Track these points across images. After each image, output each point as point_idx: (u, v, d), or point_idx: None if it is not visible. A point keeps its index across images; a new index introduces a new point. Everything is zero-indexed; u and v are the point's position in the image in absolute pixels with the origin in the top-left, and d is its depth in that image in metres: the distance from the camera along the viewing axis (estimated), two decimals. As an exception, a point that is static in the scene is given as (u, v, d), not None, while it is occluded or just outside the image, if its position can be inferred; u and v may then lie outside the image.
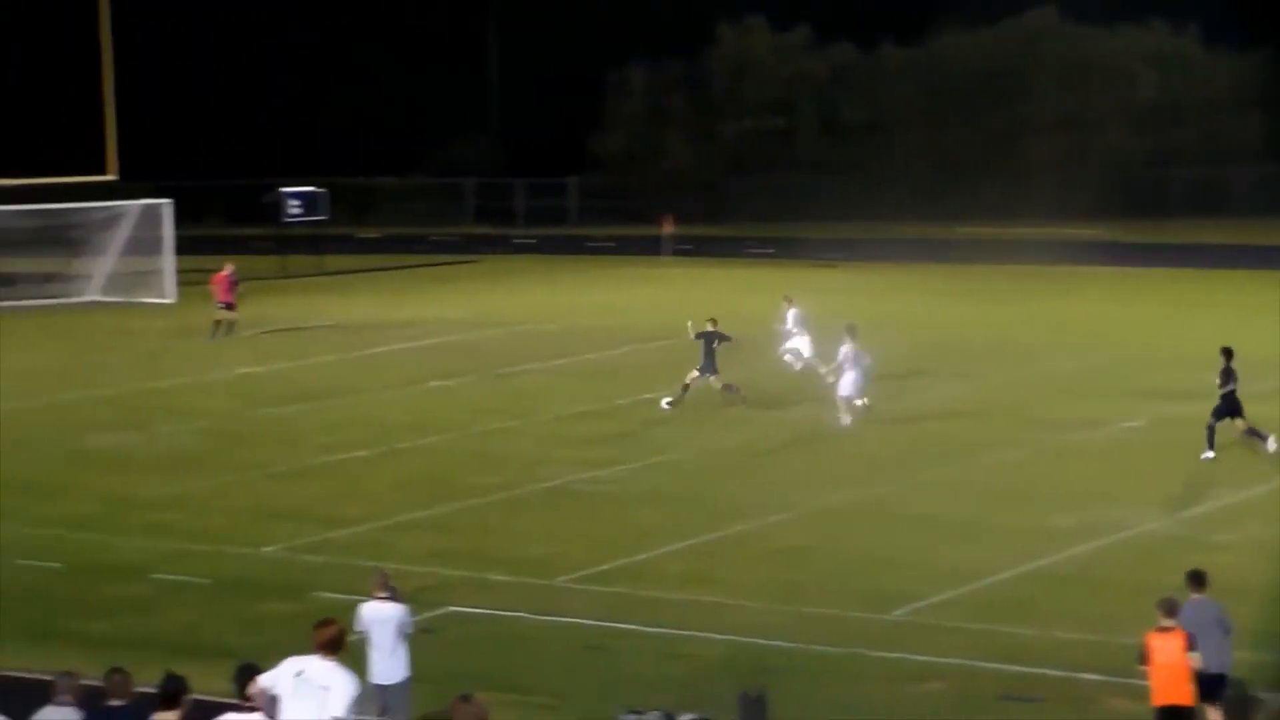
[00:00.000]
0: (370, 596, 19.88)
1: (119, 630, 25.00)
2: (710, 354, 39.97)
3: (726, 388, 39.81)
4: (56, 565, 28.22)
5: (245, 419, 40.41)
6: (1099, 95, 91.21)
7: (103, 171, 64.25)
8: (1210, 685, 19.02)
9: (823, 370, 40.23)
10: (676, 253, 74.24)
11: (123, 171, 64.48)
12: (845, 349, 38.39)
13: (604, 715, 19.57)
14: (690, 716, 15.68)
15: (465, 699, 13.90)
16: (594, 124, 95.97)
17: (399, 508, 31.60)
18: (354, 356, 43.30)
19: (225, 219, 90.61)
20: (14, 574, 27.87)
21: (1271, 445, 34.10)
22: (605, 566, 27.71)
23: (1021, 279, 65.85)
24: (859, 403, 38.40)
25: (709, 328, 40.19)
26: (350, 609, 20.04)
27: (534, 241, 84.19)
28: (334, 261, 72.72)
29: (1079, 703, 21.31)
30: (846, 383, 38.23)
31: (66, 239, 64.72)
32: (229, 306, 53.06)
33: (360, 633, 19.71)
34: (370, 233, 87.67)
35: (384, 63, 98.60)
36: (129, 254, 62.80)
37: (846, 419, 38.09)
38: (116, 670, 15.78)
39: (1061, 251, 71.66)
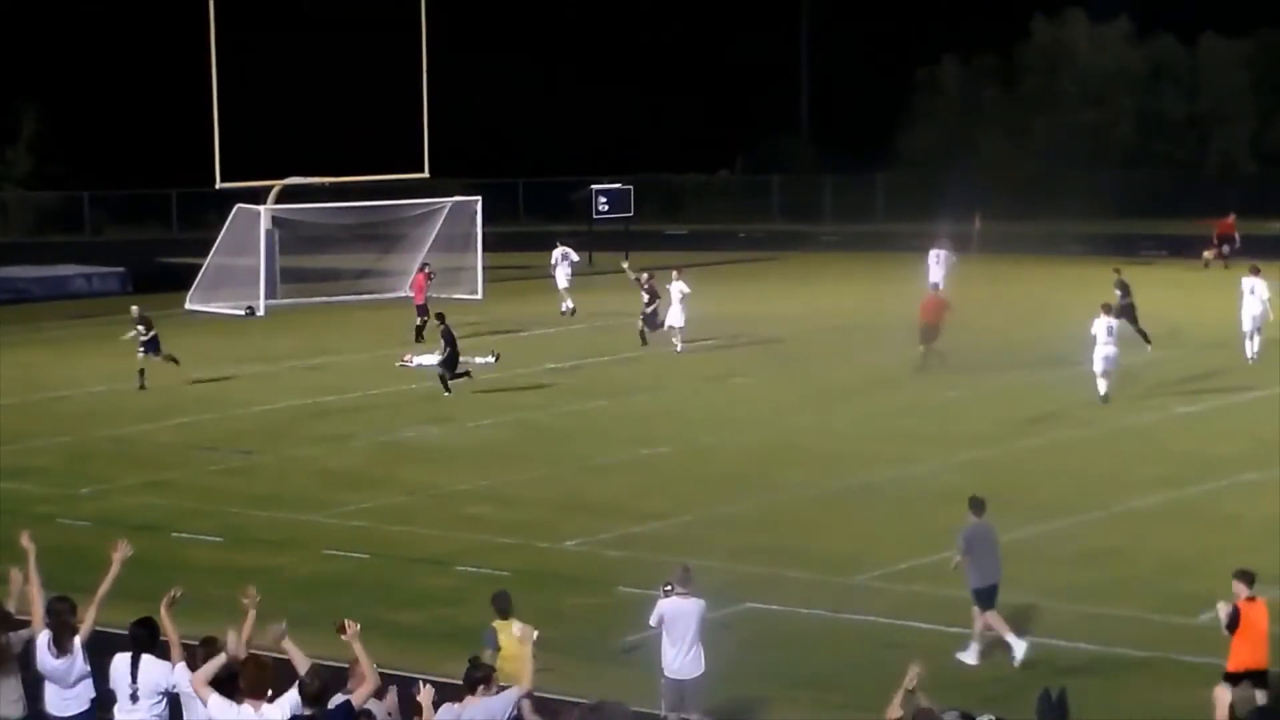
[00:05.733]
0: (669, 591, 19.90)
1: (427, 621, 25.44)
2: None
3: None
4: (364, 556, 28.80)
5: (552, 413, 40.81)
6: None
7: (416, 169, 65.32)
8: None
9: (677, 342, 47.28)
10: (985, 249, 73.27)
11: (433, 169, 65.50)
12: (675, 285, 46.97)
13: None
14: (989, 716, 15.43)
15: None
16: (903, 120, 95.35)
17: (702, 503, 31.69)
18: (659, 353, 43.51)
19: (535, 216, 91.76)
20: (322, 563, 28.55)
21: None
22: (906, 564, 27.51)
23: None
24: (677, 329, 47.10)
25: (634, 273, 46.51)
26: (650, 604, 20.14)
27: (840, 238, 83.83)
28: (640, 258, 73.07)
29: (1396, 713, 20.64)
30: (674, 314, 46.79)
31: (379, 235, 65.99)
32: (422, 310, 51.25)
33: (655, 628, 19.79)
34: (678, 229, 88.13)
35: (693, 61, 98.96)
36: (439, 250, 63.80)
37: (680, 345, 46.89)
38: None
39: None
